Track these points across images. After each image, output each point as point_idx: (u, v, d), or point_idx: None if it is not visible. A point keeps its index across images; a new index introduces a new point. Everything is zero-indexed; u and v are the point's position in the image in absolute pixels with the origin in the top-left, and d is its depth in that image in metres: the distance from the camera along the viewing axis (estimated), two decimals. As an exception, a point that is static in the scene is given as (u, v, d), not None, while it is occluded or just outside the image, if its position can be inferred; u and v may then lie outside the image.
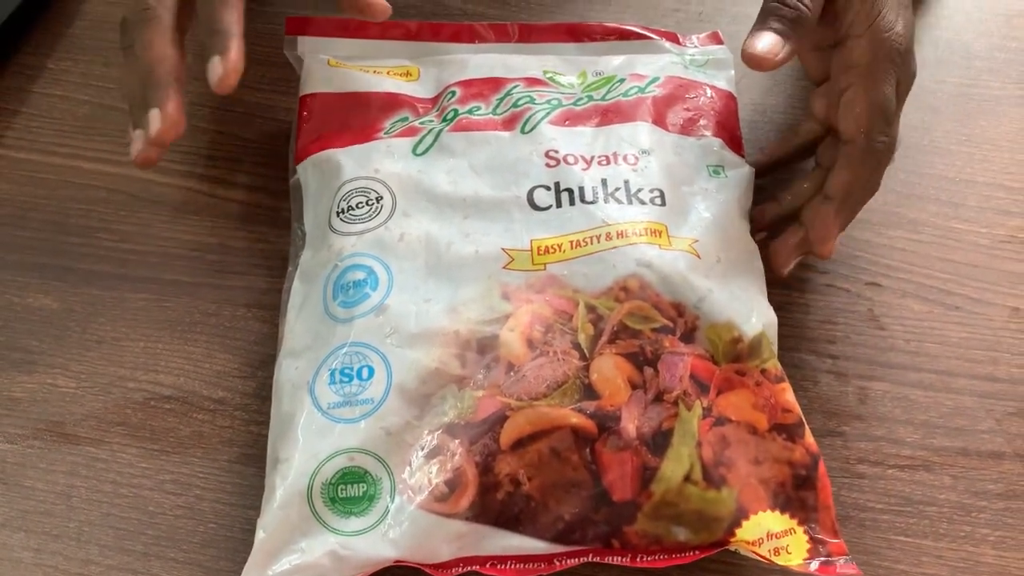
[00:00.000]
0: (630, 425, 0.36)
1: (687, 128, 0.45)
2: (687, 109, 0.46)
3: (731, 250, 0.41)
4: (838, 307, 0.45)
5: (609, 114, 0.45)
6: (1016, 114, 0.52)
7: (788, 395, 0.38)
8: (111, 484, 0.40)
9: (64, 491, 0.40)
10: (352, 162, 0.43)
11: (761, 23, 0.40)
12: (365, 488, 0.35)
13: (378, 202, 0.41)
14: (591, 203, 0.41)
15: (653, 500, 0.36)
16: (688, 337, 0.38)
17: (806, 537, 0.36)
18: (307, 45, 0.48)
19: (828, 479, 0.37)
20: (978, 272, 0.46)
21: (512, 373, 0.37)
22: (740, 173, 0.44)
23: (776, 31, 0.40)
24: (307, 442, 0.36)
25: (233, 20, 0.40)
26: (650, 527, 0.36)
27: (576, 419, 0.36)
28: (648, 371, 0.37)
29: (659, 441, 0.36)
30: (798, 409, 0.38)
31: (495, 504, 0.35)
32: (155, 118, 0.39)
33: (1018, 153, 0.50)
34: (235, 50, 0.39)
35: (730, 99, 0.47)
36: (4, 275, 0.45)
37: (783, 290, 0.45)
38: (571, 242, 0.40)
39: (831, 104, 0.42)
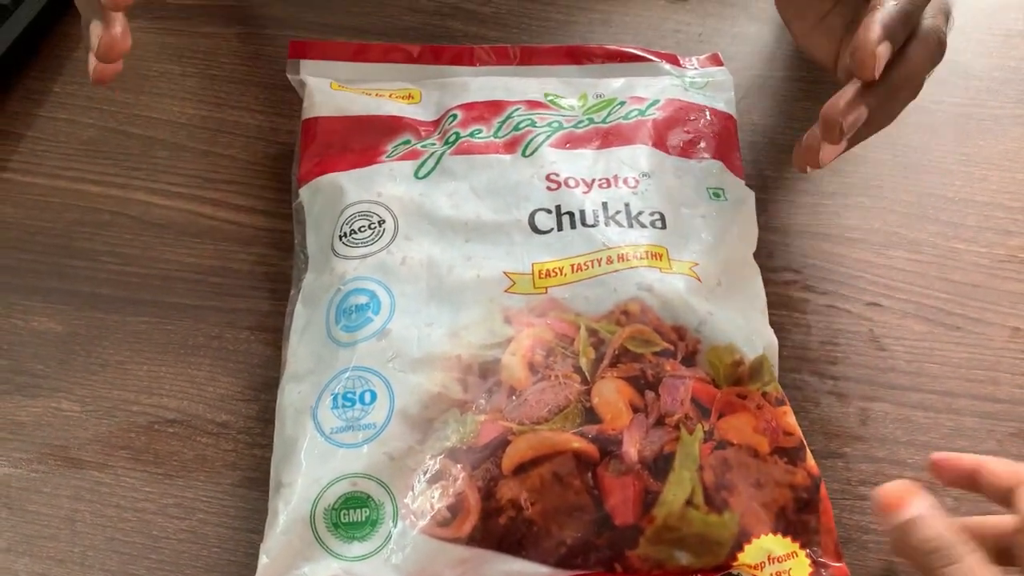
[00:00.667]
0: (632, 449, 0.36)
1: (687, 151, 0.45)
2: (687, 132, 0.46)
3: (732, 273, 0.42)
4: (839, 328, 0.45)
5: (610, 137, 0.45)
6: (1015, 133, 0.52)
7: (789, 418, 0.39)
8: (115, 508, 0.40)
9: (68, 515, 0.40)
10: (354, 186, 0.43)
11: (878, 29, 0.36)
12: (368, 513, 0.36)
13: (380, 226, 0.42)
14: (592, 226, 0.41)
15: (655, 524, 0.36)
16: (689, 360, 0.39)
17: (808, 561, 0.36)
18: (310, 68, 0.48)
19: (830, 502, 0.37)
20: (978, 292, 0.47)
21: (514, 397, 0.37)
22: (740, 196, 0.44)
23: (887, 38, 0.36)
24: (310, 467, 0.36)
25: None
26: (652, 551, 0.36)
27: (578, 443, 0.36)
28: (649, 395, 0.38)
29: (661, 465, 0.36)
30: (799, 432, 0.38)
31: (497, 529, 0.36)
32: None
33: (1017, 172, 0.51)
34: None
35: (730, 121, 0.48)
36: (10, 298, 0.45)
37: (784, 311, 0.45)
38: (572, 265, 0.40)
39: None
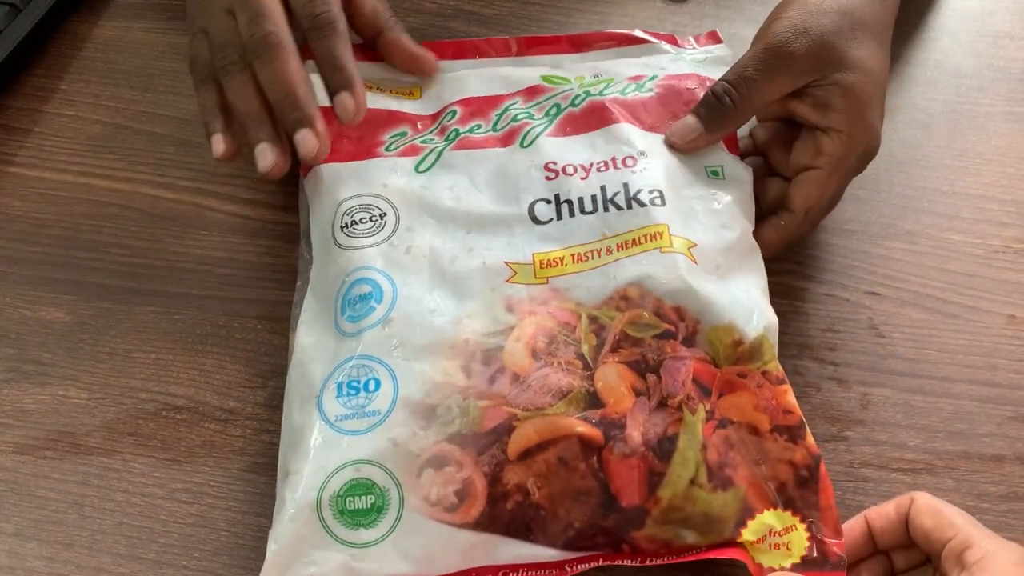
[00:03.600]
0: (635, 432, 0.37)
1: None
2: (686, 109, 0.46)
3: (732, 252, 0.42)
4: (838, 316, 0.46)
5: (606, 113, 0.45)
6: (1005, 129, 0.53)
7: (789, 397, 0.39)
8: (123, 493, 0.40)
9: (76, 501, 0.40)
10: (353, 177, 0.43)
11: (696, 105, 0.44)
12: (373, 500, 0.36)
13: (382, 218, 0.42)
14: (590, 213, 0.42)
15: (661, 504, 0.36)
16: (689, 341, 0.39)
17: (807, 534, 0.36)
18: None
19: (830, 481, 0.37)
20: (974, 281, 0.47)
21: (517, 383, 0.38)
22: (738, 174, 0.45)
23: (698, 116, 0.44)
24: (316, 455, 0.36)
25: (350, 56, 0.43)
26: (659, 531, 0.36)
27: (582, 428, 0.36)
28: (651, 378, 0.38)
29: (665, 446, 0.37)
30: (799, 411, 0.39)
31: (505, 514, 0.36)
32: (308, 137, 0.41)
33: (1008, 166, 0.52)
34: (359, 86, 0.43)
35: None
36: (17, 289, 0.46)
37: (784, 299, 0.46)
38: (572, 256, 0.41)
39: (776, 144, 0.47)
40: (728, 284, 0.41)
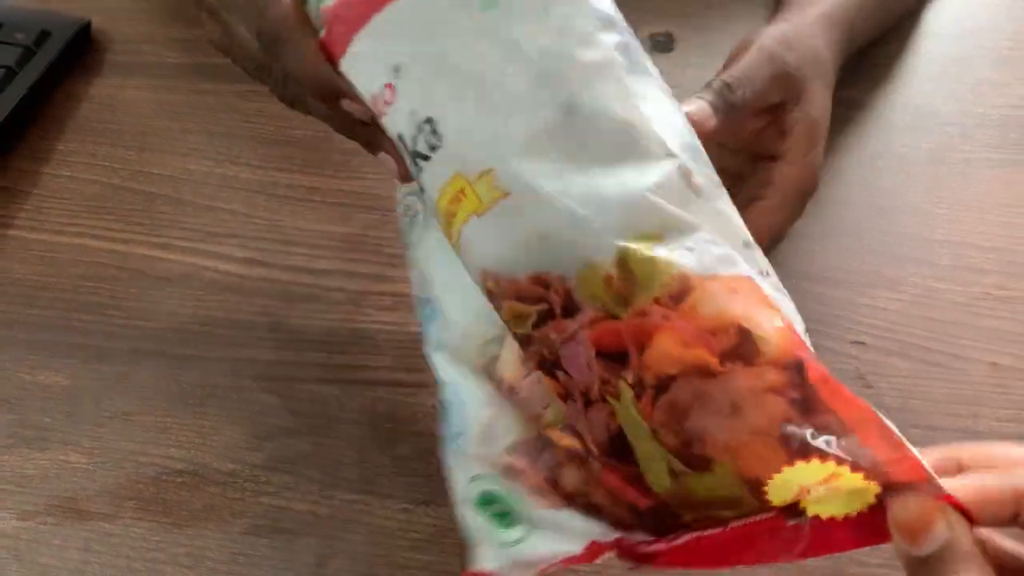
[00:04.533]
0: (591, 443, 0.32)
1: None
2: None
3: (569, 127, 0.30)
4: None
5: None
6: (986, 175, 0.54)
7: (702, 307, 0.28)
8: (125, 559, 0.41)
9: (78, 567, 0.40)
10: None
11: (701, 91, 0.42)
12: (500, 508, 0.33)
13: (417, 216, 0.38)
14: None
15: (669, 500, 0.30)
16: (570, 308, 0.29)
17: (859, 474, 0.27)
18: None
19: (839, 383, 0.28)
20: (957, 329, 0.48)
21: (514, 393, 0.34)
22: None
23: (707, 101, 0.41)
24: (452, 474, 0.35)
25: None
26: (695, 515, 0.30)
27: (567, 441, 0.33)
28: (561, 375, 0.30)
29: (619, 445, 0.30)
30: (730, 314, 0.28)
31: (579, 510, 0.33)
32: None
33: (988, 213, 0.53)
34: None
35: None
36: (16, 353, 0.46)
37: (771, 351, 0.47)
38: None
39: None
40: (563, 194, 0.29)
